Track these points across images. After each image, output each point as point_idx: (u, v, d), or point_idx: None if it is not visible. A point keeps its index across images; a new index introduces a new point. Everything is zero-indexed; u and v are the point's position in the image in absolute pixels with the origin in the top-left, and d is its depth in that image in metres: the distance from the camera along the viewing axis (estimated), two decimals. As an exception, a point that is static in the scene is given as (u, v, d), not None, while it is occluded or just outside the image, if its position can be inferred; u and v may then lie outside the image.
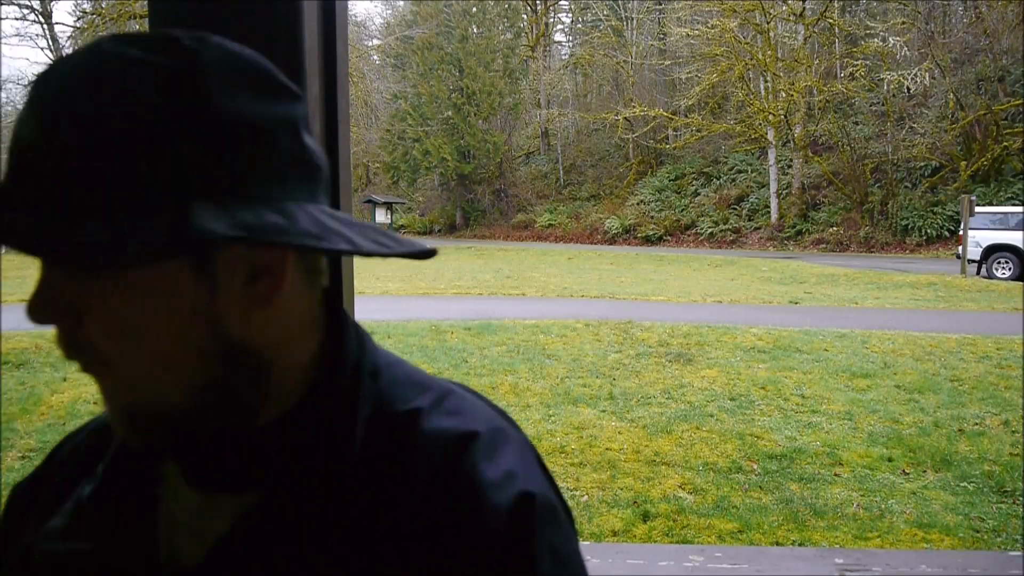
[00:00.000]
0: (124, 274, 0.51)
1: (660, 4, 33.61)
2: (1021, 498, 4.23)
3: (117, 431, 0.56)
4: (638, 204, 30.06)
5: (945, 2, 25.34)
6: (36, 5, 30.24)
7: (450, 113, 33.49)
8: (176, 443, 0.58)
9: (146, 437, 0.56)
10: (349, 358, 0.61)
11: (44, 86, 0.50)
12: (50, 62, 0.55)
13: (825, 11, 26.54)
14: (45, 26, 30.73)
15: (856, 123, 25.86)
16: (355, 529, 0.55)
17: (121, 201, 0.47)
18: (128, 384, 0.54)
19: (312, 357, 0.60)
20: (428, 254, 0.57)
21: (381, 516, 0.56)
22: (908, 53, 24.08)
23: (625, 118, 29.87)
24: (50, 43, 31.32)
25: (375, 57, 41.23)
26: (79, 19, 28.78)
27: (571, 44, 43.00)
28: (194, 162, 0.49)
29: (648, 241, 28.19)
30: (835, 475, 4.60)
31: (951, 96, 23.55)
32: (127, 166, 0.48)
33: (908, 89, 23.83)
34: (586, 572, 0.61)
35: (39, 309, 0.53)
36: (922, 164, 24.01)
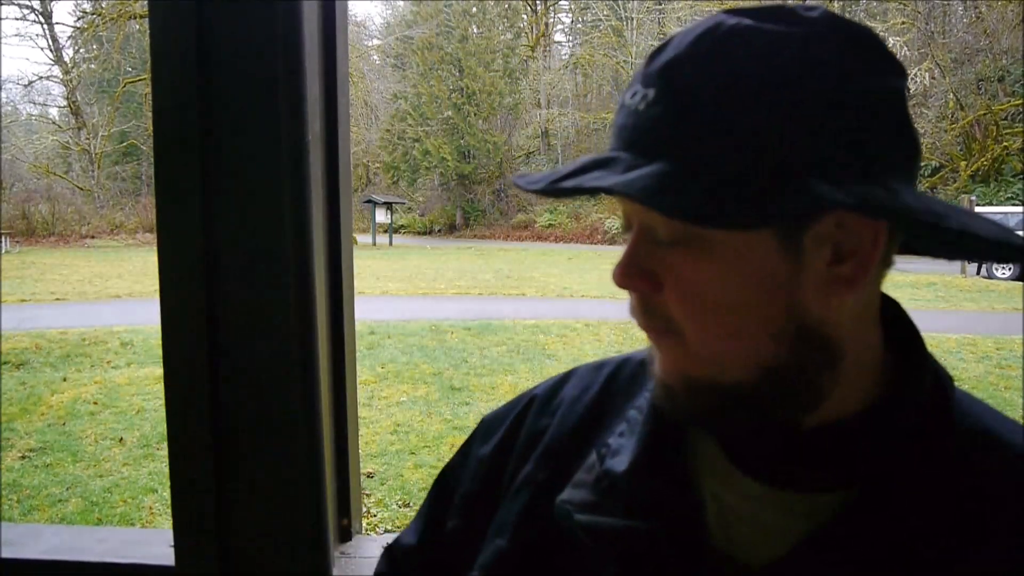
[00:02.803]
0: (711, 244, 0.51)
1: (660, 4, 33.61)
2: (1021, 498, 4.23)
3: (665, 403, 0.57)
4: (638, 204, 30.08)
5: (945, 2, 25.33)
6: (36, 5, 30.24)
7: (450, 113, 33.48)
8: (729, 424, 0.56)
9: (698, 412, 0.55)
10: (929, 360, 0.58)
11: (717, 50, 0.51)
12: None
13: (825, 11, 26.53)
14: (45, 26, 30.71)
15: (856, 123, 25.87)
16: (947, 548, 0.52)
17: (771, 169, 0.48)
18: (694, 352, 0.54)
19: (875, 354, 0.57)
20: None
21: (973, 541, 0.52)
22: (908, 53, 24.06)
23: (625, 118, 29.89)
24: (50, 43, 31.32)
25: (375, 57, 41.22)
26: (79, 19, 28.80)
27: (571, 44, 42.99)
28: (826, 136, 0.49)
29: (648, 241, 28.21)
30: (835, 475, 4.61)
31: (951, 96, 23.55)
32: (778, 138, 0.49)
33: (908, 89, 23.82)
34: None
35: (624, 274, 0.55)
36: (922, 164, 24.00)
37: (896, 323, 0.60)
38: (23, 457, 5.05)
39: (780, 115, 0.49)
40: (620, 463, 0.61)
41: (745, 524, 0.57)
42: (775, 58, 0.50)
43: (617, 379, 0.71)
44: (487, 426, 0.77)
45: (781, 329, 0.52)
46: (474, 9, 33.95)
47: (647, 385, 0.65)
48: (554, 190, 0.52)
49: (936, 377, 0.58)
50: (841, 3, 28.23)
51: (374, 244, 28.97)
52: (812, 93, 0.49)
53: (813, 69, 0.50)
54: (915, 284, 14.46)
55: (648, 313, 0.55)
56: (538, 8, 39.06)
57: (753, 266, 0.51)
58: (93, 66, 30.63)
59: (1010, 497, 0.54)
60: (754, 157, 0.48)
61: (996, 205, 19.24)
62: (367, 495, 4.41)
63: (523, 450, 0.70)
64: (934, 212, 0.49)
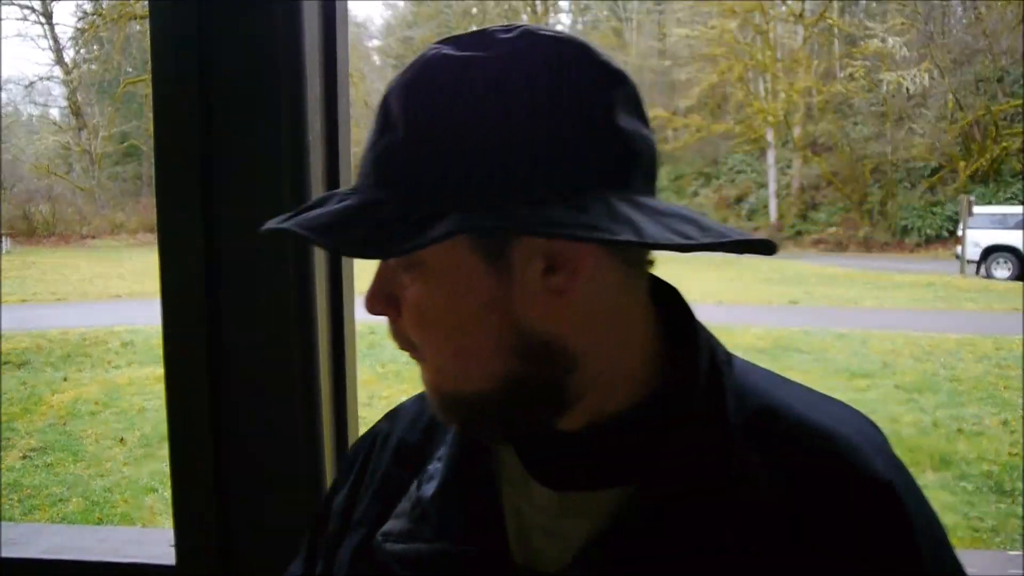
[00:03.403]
0: (424, 267, 0.53)
1: (660, 4, 33.60)
2: (1020, 498, 4.23)
3: (437, 415, 0.59)
4: (638, 204, 30.08)
5: (945, 2, 25.33)
6: (36, 5, 30.17)
7: (450, 113, 33.52)
8: (497, 432, 0.58)
9: (458, 424, 0.58)
10: (703, 348, 0.59)
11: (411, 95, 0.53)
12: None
13: (824, 12, 26.52)
14: (46, 26, 30.65)
15: (855, 124, 25.85)
16: (736, 526, 0.52)
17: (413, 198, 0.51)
18: (435, 369, 0.57)
19: (637, 350, 0.58)
20: (752, 246, 0.52)
21: (760, 512, 0.53)
22: (908, 54, 24.06)
23: (625, 118, 29.88)
24: (51, 43, 31.28)
25: (375, 58, 41.20)
26: (80, 19, 28.76)
27: (571, 44, 43.01)
28: (515, 156, 0.50)
29: (648, 241, 28.20)
30: (835, 475, 4.61)
31: (950, 96, 23.55)
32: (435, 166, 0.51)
33: (907, 90, 23.81)
34: None
35: (368, 300, 0.58)
36: (921, 164, 24.01)
37: (672, 313, 0.61)
38: (24, 457, 5.05)
39: (463, 140, 0.50)
40: (429, 488, 0.62)
41: (541, 532, 0.58)
42: (463, 84, 0.51)
43: None
44: (347, 462, 0.77)
45: (506, 343, 0.53)
46: (474, 10, 33.96)
47: None
48: (265, 230, 0.57)
49: (712, 361, 0.58)
50: (841, 3, 28.24)
51: (374, 244, 28.96)
52: (499, 115, 0.50)
53: (501, 92, 0.50)
54: (915, 284, 14.45)
55: (396, 337, 0.58)
56: (538, 8, 39.06)
57: (463, 285, 0.53)
58: (94, 67, 30.58)
59: (786, 468, 0.55)
60: (431, 185, 0.50)
61: (995, 205, 19.24)
62: (367, 495, 4.41)
63: (367, 487, 0.71)
64: (591, 226, 0.48)
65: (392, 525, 0.62)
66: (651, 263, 0.59)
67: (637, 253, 0.57)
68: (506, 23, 0.54)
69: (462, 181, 0.50)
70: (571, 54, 0.53)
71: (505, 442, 0.60)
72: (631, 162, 0.54)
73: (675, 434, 0.55)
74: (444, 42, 0.55)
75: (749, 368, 0.63)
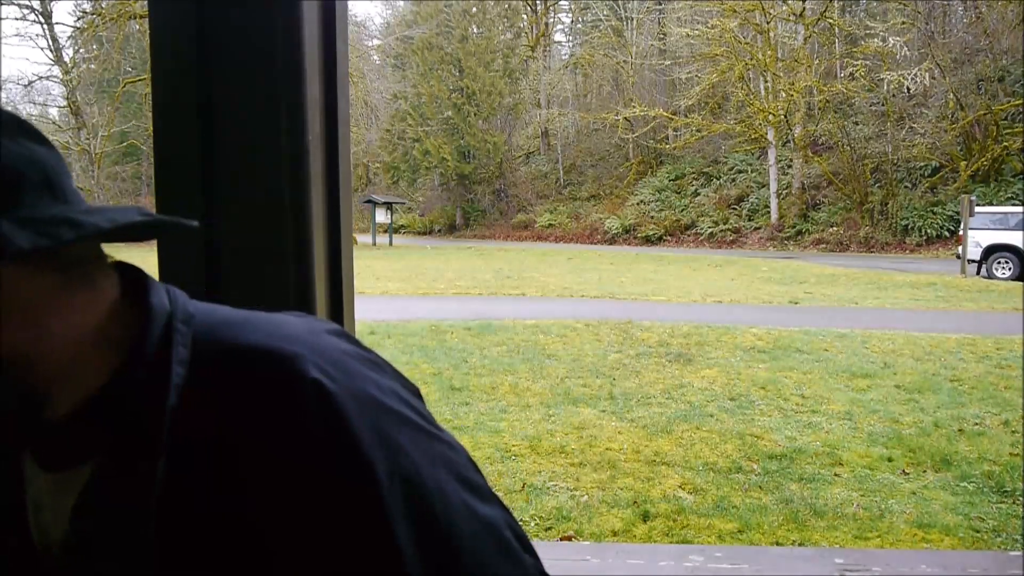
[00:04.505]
0: None
1: (660, 4, 33.61)
2: (1021, 498, 4.23)
3: None
4: (638, 204, 30.05)
5: (945, 2, 25.34)
6: (36, 5, 30.22)
7: (450, 113, 33.49)
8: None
9: None
10: (155, 322, 0.64)
11: None
12: None
13: (825, 11, 26.53)
14: (45, 26, 30.68)
15: (856, 123, 25.86)
16: (195, 476, 0.58)
17: None
18: None
19: (101, 340, 0.62)
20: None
21: (220, 447, 0.58)
22: (908, 53, 24.07)
23: (625, 118, 29.87)
24: (50, 43, 31.30)
25: (375, 57, 41.22)
26: (79, 19, 28.77)
27: (571, 44, 42.99)
28: None
29: (648, 241, 28.19)
30: (835, 475, 4.60)
31: (951, 96, 23.55)
32: None
33: (908, 89, 23.82)
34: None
35: None
36: (922, 164, 24.01)
37: (136, 298, 0.66)
38: (23, 457, 5.06)
39: None
40: None
41: (46, 512, 0.64)
42: None
43: None
44: None
45: None
46: (474, 9, 33.96)
47: None
48: None
49: (165, 334, 0.63)
50: (841, 3, 28.25)
51: (374, 244, 28.98)
52: None
53: None
54: (915, 284, 14.46)
55: None
56: (538, 8, 39.06)
57: None
58: (93, 66, 30.62)
59: (228, 403, 0.60)
60: None
61: (996, 205, 19.24)
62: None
63: None
64: None
65: None
66: (94, 262, 0.63)
67: (67, 258, 0.61)
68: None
69: None
70: None
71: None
72: (17, 183, 0.58)
73: (123, 410, 0.61)
74: None
75: (213, 312, 0.68)
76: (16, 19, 31.04)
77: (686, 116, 30.24)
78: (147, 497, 0.58)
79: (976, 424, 5.52)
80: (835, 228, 24.77)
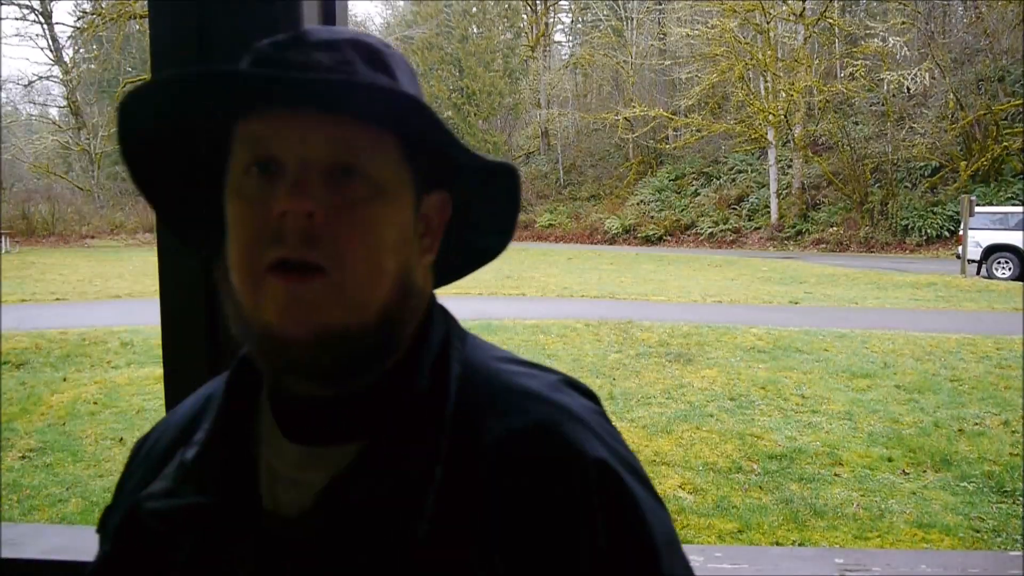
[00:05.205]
0: (379, 185, 0.60)
1: (660, 4, 33.60)
2: (1021, 498, 4.23)
3: (280, 360, 0.59)
4: (638, 204, 30.04)
5: (945, 2, 25.33)
6: (36, 5, 30.22)
7: (450, 113, 33.47)
8: (345, 375, 0.61)
9: (329, 360, 0.59)
10: (438, 323, 0.67)
11: None
12: None
13: (825, 11, 26.52)
14: (45, 26, 30.69)
15: (856, 123, 25.84)
16: (451, 481, 0.59)
17: None
18: (340, 287, 0.58)
19: (419, 320, 0.66)
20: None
21: (476, 465, 0.60)
22: (908, 53, 24.06)
23: (625, 118, 29.84)
24: (50, 43, 31.32)
25: (375, 57, 41.16)
26: (79, 19, 28.75)
27: (571, 44, 42.97)
28: None
29: (648, 241, 28.17)
30: (835, 475, 4.60)
31: (951, 96, 23.54)
32: None
33: (908, 89, 23.81)
34: None
35: (304, 189, 0.59)
36: (922, 164, 23.99)
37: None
38: (23, 457, 5.06)
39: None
40: (191, 451, 0.66)
41: (288, 483, 0.63)
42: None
43: (212, 394, 0.74)
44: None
45: (398, 280, 0.61)
46: (474, 9, 33.95)
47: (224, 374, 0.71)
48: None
49: (447, 334, 0.67)
50: (841, 3, 28.24)
51: (374, 244, 28.96)
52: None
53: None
54: (915, 284, 14.45)
55: (302, 238, 0.57)
56: (538, 8, 39.04)
57: (401, 213, 0.61)
58: (93, 66, 30.58)
59: (500, 436, 0.61)
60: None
61: (996, 205, 19.23)
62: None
63: (130, 478, 0.75)
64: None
65: (154, 487, 0.66)
66: None
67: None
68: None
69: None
70: None
71: (325, 388, 0.63)
72: None
73: (404, 399, 0.62)
74: None
75: (480, 344, 0.71)
76: (16, 19, 31.11)
77: (686, 116, 30.22)
78: (419, 498, 0.58)
79: (976, 424, 5.52)
80: (835, 228, 24.75)
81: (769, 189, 26.68)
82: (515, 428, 0.61)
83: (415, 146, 0.62)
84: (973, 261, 16.27)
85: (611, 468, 0.61)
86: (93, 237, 26.52)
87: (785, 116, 26.21)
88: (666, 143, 31.48)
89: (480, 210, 0.69)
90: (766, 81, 27.39)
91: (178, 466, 0.66)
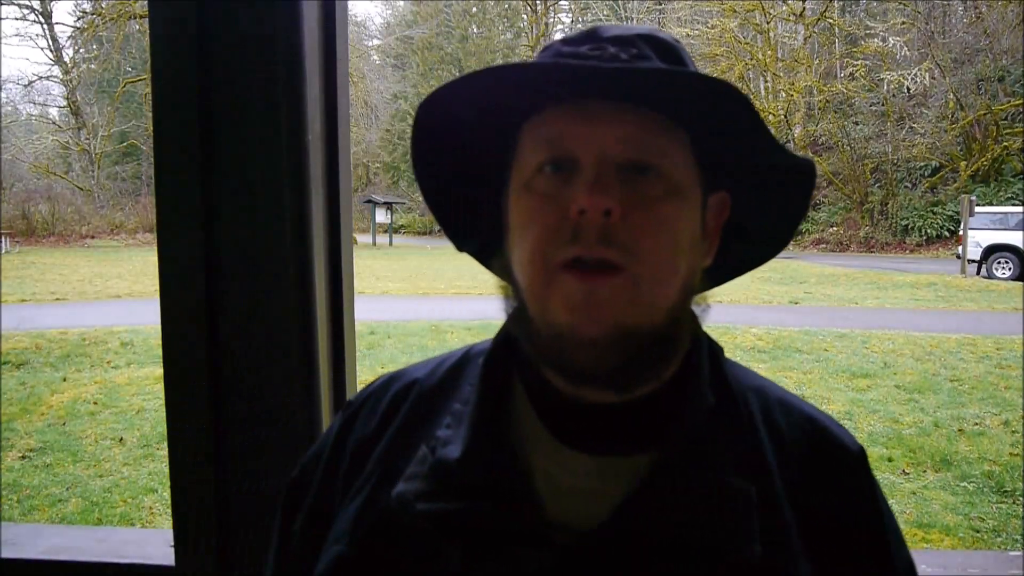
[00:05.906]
0: (677, 186, 0.60)
1: (660, 4, 33.60)
2: (1021, 498, 4.23)
3: (585, 361, 0.57)
4: (638, 204, 30.06)
5: (945, 2, 25.32)
6: (36, 5, 30.21)
7: (450, 113, 33.47)
8: (634, 375, 0.60)
9: (621, 359, 0.57)
10: (703, 336, 0.66)
11: None
12: None
13: (825, 11, 26.52)
14: (45, 26, 30.68)
15: (856, 123, 25.84)
16: (762, 494, 0.60)
17: None
18: (635, 286, 0.57)
19: (690, 327, 0.64)
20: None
21: (774, 474, 0.62)
22: (908, 53, 24.06)
23: (625, 118, 29.84)
24: (50, 43, 31.29)
25: (375, 57, 41.18)
26: (79, 19, 28.76)
27: (571, 44, 42.92)
28: None
29: (648, 241, 28.17)
30: (835, 475, 4.60)
31: (951, 96, 23.54)
32: None
33: (908, 89, 23.81)
34: None
35: (607, 189, 0.59)
36: (922, 164, 23.99)
37: None
38: (23, 457, 5.05)
39: None
40: (453, 451, 0.62)
41: (572, 493, 0.61)
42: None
43: (445, 378, 0.73)
44: (319, 444, 0.76)
45: (687, 281, 0.61)
46: (474, 9, 33.96)
47: (470, 378, 0.69)
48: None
49: (710, 347, 0.67)
50: (841, 3, 28.24)
51: (374, 244, 28.96)
52: None
53: None
54: (915, 284, 14.45)
55: (601, 236, 0.56)
56: (538, 8, 39.04)
57: (693, 214, 0.61)
58: (93, 66, 30.58)
59: (780, 437, 0.65)
60: None
61: (996, 205, 19.23)
62: (367, 495, 4.40)
63: (353, 458, 0.71)
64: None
65: (407, 487, 0.63)
66: None
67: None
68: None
69: None
70: None
71: (617, 392, 0.61)
72: None
73: (693, 409, 0.61)
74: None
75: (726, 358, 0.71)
76: (16, 19, 31.04)
77: (686, 116, 30.18)
78: (745, 518, 0.58)
79: (976, 424, 5.52)
80: (835, 228, 24.75)
81: (769, 189, 26.66)
82: (798, 434, 0.65)
83: (705, 143, 0.61)
84: (973, 261, 16.26)
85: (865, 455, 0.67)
86: (93, 237, 26.51)
87: (785, 116, 26.20)
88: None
89: (757, 214, 0.67)
90: (766, 81, 27.39)
91: (434, 465, 0.63)
